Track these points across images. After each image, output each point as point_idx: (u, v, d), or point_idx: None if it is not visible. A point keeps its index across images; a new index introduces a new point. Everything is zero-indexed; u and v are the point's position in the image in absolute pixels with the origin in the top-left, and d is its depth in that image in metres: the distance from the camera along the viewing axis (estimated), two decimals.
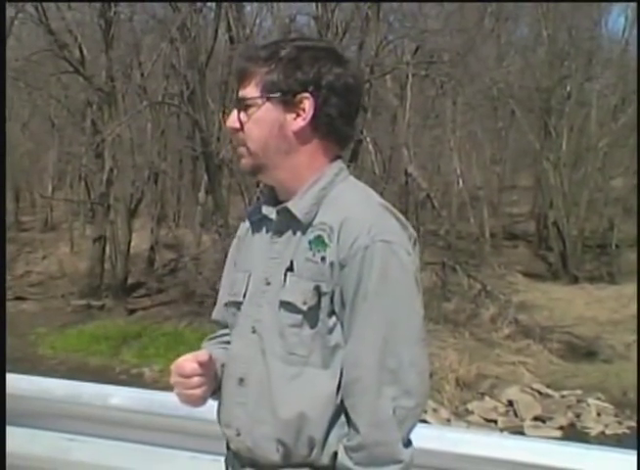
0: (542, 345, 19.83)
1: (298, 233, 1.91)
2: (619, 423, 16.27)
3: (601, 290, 23.58)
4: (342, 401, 1.85)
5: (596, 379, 17.99)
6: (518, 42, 31.20)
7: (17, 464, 3.37)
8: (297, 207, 1.90)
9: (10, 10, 21.16)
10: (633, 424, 16.08)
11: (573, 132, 26.86)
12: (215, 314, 2.17)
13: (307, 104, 1.90)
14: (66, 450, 3.58)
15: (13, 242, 26.30)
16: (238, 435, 1.95)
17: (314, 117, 1.91)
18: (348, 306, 1.84)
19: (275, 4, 24.85)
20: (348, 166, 2.03)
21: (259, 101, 1.91)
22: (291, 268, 1.89)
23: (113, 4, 24.00)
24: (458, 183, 26.27)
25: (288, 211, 1.92)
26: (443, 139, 25.38)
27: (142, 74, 25.25)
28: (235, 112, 1.96)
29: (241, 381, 1.95)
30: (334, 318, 1.86)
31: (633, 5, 27.38)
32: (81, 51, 24.19)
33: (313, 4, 23.22)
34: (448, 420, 15.68)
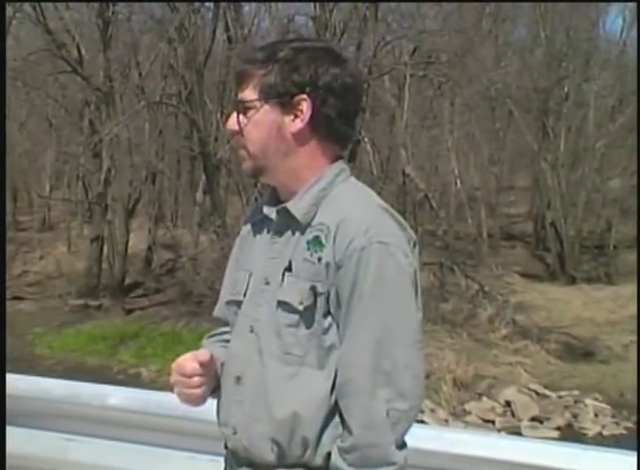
0: (540, 345, 19.84)
1: (297, 233, 1.91)
2: (617, 424, 16.27)
3: (598, 291, 23.60)
4: (336, 402, 1.85)
5: (593, 380, 18.00)
6: (516, 43, 31.23)
7: (15, 464, 3.37)
8: (296, 207, 1.91)
9: (8, 9, 21.14)
10: (630, 425, 16.09)
11: (571, 133, 26.89)
12: (217, 312, 2.17)
13: (305, 105, 1.90)
14: (63, 450, 3.58)
15: (10, 242, 26.27)
16: (235, 433, 1.96)
17: (312, 118, 1.91)
18: (344, 307, 1.84)
19: (273, 4, 24.85)
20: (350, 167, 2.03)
21: (257, 103, 1.92)
22: (289, 268, 1.89)
23: (110, 4, 23.99)
24: (456, 184, 26.26)
25: (287, 211, 1.92)
26: (441, 140, 25.39)
27: (140, 74, 25.24)
28: (234, 114, 1.97)
29: (238, 379, 1.96)
30: (329, 319, 1.86)
31: (631, 6, 27.41)
32: (79, 51, 24.16)
33: (311, 4, 23.21)
34: (446, 420, 15.68)
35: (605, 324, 20.97)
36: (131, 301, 23.86)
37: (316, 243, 1.86)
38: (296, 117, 1.91)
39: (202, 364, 1.96)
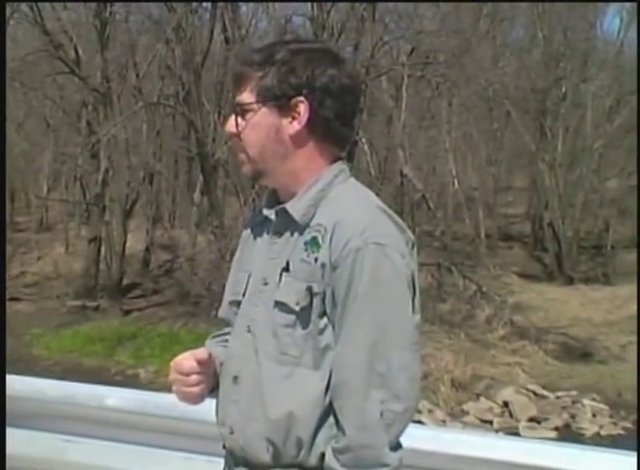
0: (537, 346, 19.85)
1: (296, 234, 1.91)
2: (614, 424, 16.28)
3: (596, 291, 23.62)
4: (330, 403, 1.84)
5: (591, 380, 18.01)
6: (513, 43, 31.27)
7: (13, 465, 3.37)
8: (295, 208, 1.91)
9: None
10: (628, 425, 16.10)
11: (569, 133, 26.90)
12: (221, 313, 2.18)
13: (302, 107, 1.90)
14: (61, 451, 3.58)
15: (8, 242, 26.22)
16: (232, 433, 1.96)
17: (310, 120, 1.90)
18: (339, 308, 1.83)
19: (270, 5, 24.85)
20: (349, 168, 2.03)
21: (255, 106, 1.92)
22: (286, 269, 1.89)
23: (108, 4, 23.99)
24: (453, 184, 26.28)
25: (285, 212, 1.92)
26: (439, 140, 25.41)
27: (137, 75, 25.25)
28: (232, 117, 1.97)
29: (235, 379, 1.96)
30: (325, 319, 1.86)
31: (628, 7, 27.45)
32: (77, 51, 24.16)
33: (309, 5, 23.21)
34: (444, 421, 15.67)
35: (602, 324, 20.99)
36: (129, 301, 23.85)
37: (313, 244, 1.86)
38: (293, 119, 1.91)
39: (199, 362, 1.97)
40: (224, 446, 2.04)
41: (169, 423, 3.35)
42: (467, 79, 23.08)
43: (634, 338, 18.80)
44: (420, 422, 11.62)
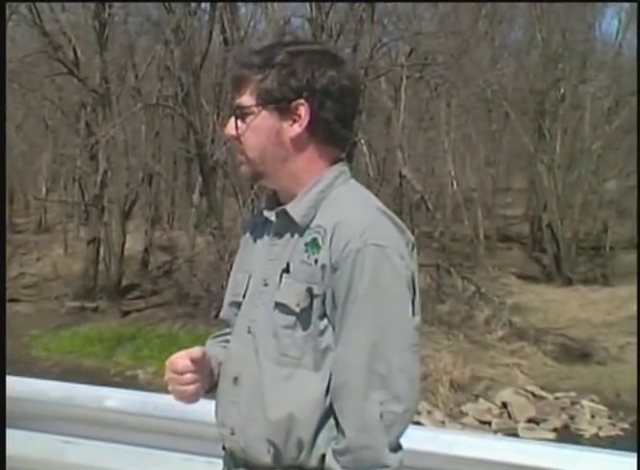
0: (536, 347, 19.85)
1: (296, 235, 1.91)
2: (613, 425, 16.28)
3: (595, 292, 23.62)
4: (331, 404, 1.85)
5: (590, 381, 18.01)
6: (512, 45, 31.28)
7: (12, 466, 3.37)
8: (295, 209, 1.91)
9: None
10: (627, 426, 16.10)
11: (567, 135, 26.91)
12: (222, 314, 2.18)
13: (303, 110, 1.90)
14: (61, 453, 3.58)
15: (7, 244, 26.24)
16: (232, 434, 1.96)
17: (311, 122, 1.90)
18: (339, 309, 1.84)
19: (269, 6, 24.83)
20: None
21: (255, 109, 1.92)
22: (287, 270, 1.89)
23: (107, 6, 23.97)
24: (452, 185, 26.29)
25: (286, 213, 1.92)
26: (438, 141, 25.41)
27: (136, 76, 25.23)
28: (232, 119, 1.96)
29: (235, 380, 1.96)
30: (325, 321, 1.86)
31: (627, 7, 27.46)
32: (75, 53, 24.16)
33: (308, 6, 23.21)
34: (443, 422, 15.68)
35: (601, 325, 20.99)
36: (128, 302, 23.84)
37: (313, 245, 1.86)
38: (294, 121, 1.91)
39: (194, 361, 1.97)
40: (224, 448, 2.04)
41: (169, 424, 3.35)
42: (465, 80, 23.08)
43: (633, 339, 18.80)
44: (419, 423, 11.62)
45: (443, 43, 22.78)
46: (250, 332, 1.95)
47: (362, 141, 22.30)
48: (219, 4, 23.75)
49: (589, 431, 16.01)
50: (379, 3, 22.96)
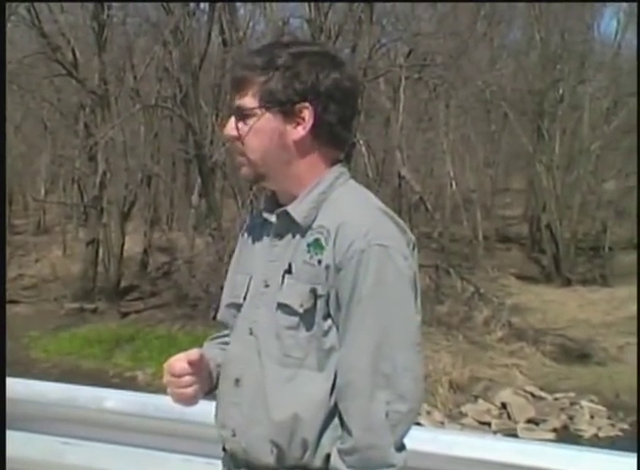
0: (535, 347, 19.85)
1: (298, 236, 1.92)
2: (612, 425, 16.28)
3: (594, 292, 23.63)
4: (335, 404, 1.85)
5: (589, 381, 18.01)
6: (510, 45, 31.27)
7: (12, 468, 3.37)
8: (297, 210, 1.91)
9: None
10: (626, 426, 16.10)
11: (566, 135, 26.92)
12: (220, 315, 2.18)
13: (307, 113, 1.90)
14: (60, 454, 3.57)
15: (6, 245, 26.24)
16: (233, 435, 1.96)
17: (314, 125, 1.91)
18: (343, 310, 1.84)
19: (268, 7, 24.82)
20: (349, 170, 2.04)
21: (258, 111, 1.91)
22: (289, 271, 1.90)
23: (105, 7, 23.96)
24: (451, 186, 26.31)
25: (287, 214, 1.93)
26: (436, 142, 25.41)
27: (135, 77, 25.22)
28: (232, 120, 1.96)
29: (237, 381, 1.96)
30: (329, 321, 1.87)
31: (625, 8, 27.48)
32: (74, 54, 24.14)
33: (306, 7, 23.21)
34: (442, 423, 15.67)
35: (600, 326, 20.99)
36: (127, 304, 23.83)
37: (316, 245, 1.87)
38: (297, 124, 1.91)
39: (191, 364, 1.97)
40: (224, 449, 2.04)
41: (168, 425, 3.35)
42: (464, 81, 23.08)
43: (632, 339, 18.81)
44: (418, 424, 11.62)
45: (442, 44, 22.78)
46: (251, 333, 1.95)
47: (361, 142, 22.31)
48: (218, 5, 23.74)
49: (588, 431, 16.01)
50: (377, 4, 22.96)
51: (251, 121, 1.92)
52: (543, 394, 17.43)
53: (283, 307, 1.88)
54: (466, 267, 23.79)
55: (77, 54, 24.22)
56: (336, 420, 1.86)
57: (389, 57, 25.44)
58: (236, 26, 24.10)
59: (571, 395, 17.37)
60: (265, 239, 2.01)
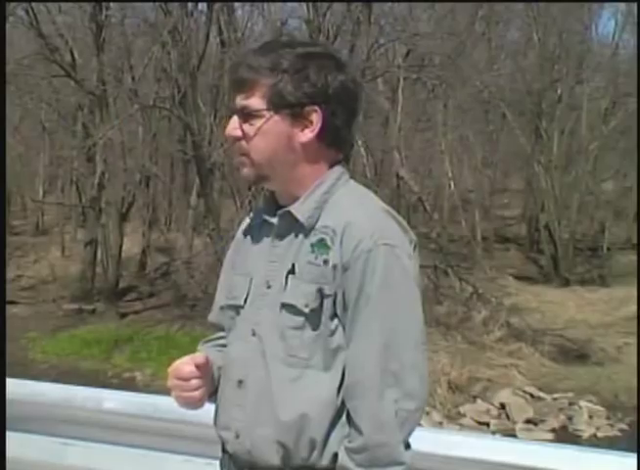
0: (534, 347, 19.84)
1: (301, 236, 1.92)
2: (611, 426, 16.28)
3: (592, 293, 23.63)
4: (342, 403, 1.86)
5: (588, 382, 18.01)
6: (508, 46, 31.31)
7: (10, 469, 3.36)
8: (300, 211, 1.92)
9: None
10: (625, 427, 16.11)
11: (564, 135, 26.92)
12: (212, 317, 2.18)
13: (315, 116, 1.91)
14: (59, 455, 3.57)
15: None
16: (237, 437, 1.95)
17: (321, 128, 1.91)
18: (351, 309, 1.85)
19: (266, 7, 24.83)
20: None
21: (266, 113, 1.91)
22: (292, 271, 1.90)
23: (103, 7, 23.94)
24: (449, 186, 26.31)
25: (290, 215, 1.93)
26: (435, 142, 25.41)
27: (133, 78, 25.21)
28: (235, 120, 1.95)
29: (240, 383, 1.96)
30: (336, 321, 1.87)
31: (623, 8, 27.52)
32: (72, 54, 24.13)
33: (305, 8, 23.21)
34: (440, 423, 15.67)
35: (599, 326, 20.99)
36: (125, 304, 23.82)
37: (321, 245, 1.87)
38: (305, 127, 1.92)
39: (198, 367, 1.96)
40: (224, 451, 2.03)
41: (168, 426, 3.34)
42: (462, 81, 23.10)
43: (631, 339, 18.83)
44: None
45: (440, 44, 22.80)
46: (254, 335, 1.94)
47: (359, 142, 22.30)
48: (216, 6, 23.73)
49: (587, 432, 16.00)
50: (375, 4, 22.97)
51: (257, 123, 1.92)
52: (542, 394, 17.42)
53: (287, 308, 1.88)
54: (464, 268, 23.80)
55: (75, 55, 24.20)
56: (343, 419, 1.87)
57: (388, 57, 25.45)
58: (234, 27, 24.11)
59: (570, 395, 17.37)
60: (265, 240, 2.01)
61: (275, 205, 2.00)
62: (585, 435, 15.82)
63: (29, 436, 3.60)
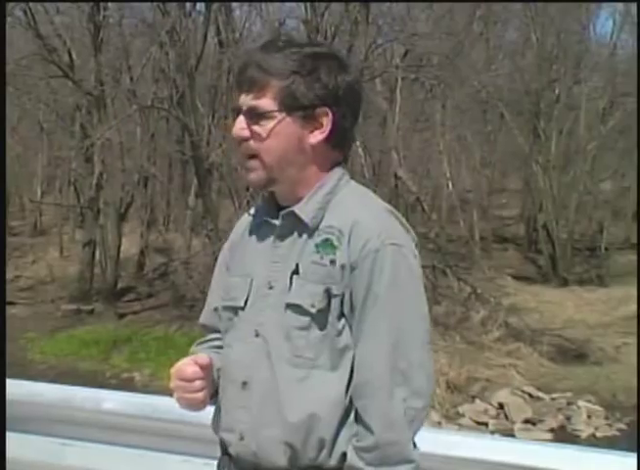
0: (532, 347, 19.86)
1: (304, 237, 1.91)
2: (610, 425, 16.29)
3: (590, 292, 23.64)
4: (350, 402, 1.87)
5: (586, 381, 18.02)
6: (506, 46, 31.34)
7: (9, 469, 3.36)
8: (304, 211, 1.91)
9: None
10: (623, 426, 16.12)
11: (562, 135, 26.95)
12: (203, 319, 2.17)
13: (325, 118, 1.91)
14: (58, 455, 3.56)
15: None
16: (241, 439, 1.94)
17: (331, 130, 1.92)
18: (358, 309, 1.86)
19: (264, 8, 24.84)
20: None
21: (278, 114, 1.90)
22: (296, 271, 1.89)
23: (101, 8, 23.93)
24: (448, 186, 26.31)
25: (294, 215, 1.92)
26: (433, 142, 25.41)
27: (131, 78, 25.21)
28: (241, 120, 1.93)
29: (244, 385, 1.94)
30: (343, 320, 1.87)
31: (621, 8, 27.55)
32: (70, 55, 24.13)
33: (302, 8, 23.21)
34: (439, 423, 15.66)
35: (597, 326, 21.01)
36: (124, 305, 23.81)
37: (327, 246, 1.88)
38: (315, 128, 1.91)
39: (202, 368, 1.95)
40: (225, 453, 2.01)
41: (166, 426, 3.34)
42: (460, 82, 23.11)
43: (629, 339, 18.84)
44: None
45: (438, 44, 22.80)
46: (257, 336, 1.93)
47: (357, 142, 22.31)
48: (214, 6, 23.74)
49: (586, 431, 16.02)
50: (373, 4, 22.96)
51: (267, 124, 1.90)
52: (540, 394, 17.44)
53: (293, 308, 1.88)
54: (463, 268, 23.81)
55: (73, 55, 24.22)
56: (351, 418, 1.87)
57: (386, 57, 25.45)
58: (232, 27, 24.11)
59: (569, 395, 17.38)
60: (265, 241, 2.00)
61: (275, 205, 2.00)
62: (584, 435, 15.83)
63: (28, 436, 3.60)
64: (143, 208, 26.56)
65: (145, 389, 16.42)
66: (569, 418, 16.56)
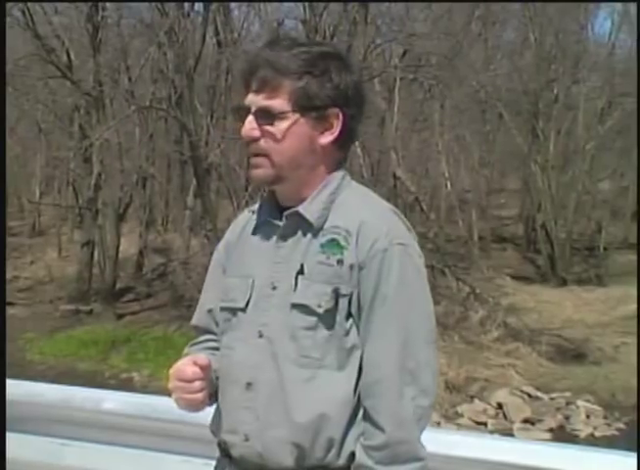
0: (531, 347, 19.86)
1: (308, 237, 1.91)
2: (608, 425, 16.31)
3: (589, 292, 23.65)
4: (358, 402, 1.87)
5: (585, 381, 18.03)
6: (505, 46, 31.36)
7: (9, 469, 3.36)
8: (309, 211, 1.91)
9: None
10: (622, 426, 16.13)
11: (561, 135, 26.96)
12: (196, 320, 2.17)
13: (336, 118, 1.91)
14: (57, 455, 3.56)
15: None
16: (246, 440, 1.93)
17: (340, 130, 1.92)
18: (366, 309, 1.86)
19: (263, 8, 24.84)
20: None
21: (291, 115, 1.90)
22: (301, 272, 1.89)
23: (100, 8, 23.92)
24: (446, 186, 26.30)
25: (298, 215, 1.92)
26: (431, 142, 25.41)
27: (130, 79, 25.21)
28: (251, 120, 1.92)
29: (249, 385, 1.93)
30: (350, 320, 1.88)
31: (619, 8, 27.56)
32: (69, 55, 24.13)
33: (301, 8, 23.21)
34: (438, 423, 15.66)
35: (596, 326, 21.01)
36: (122, 305, 23.81)
37: (333, 246, 1.88)
38: (325, 129, 1.92)
39: (201, 368, 1.94)
40: (226, 455, 2.00)
41: (166, 426, 3.33)
42: (459, 82, 23.11)
43: (628, 339, 18.85)
44: None
45: (437, 44, 22.81)
46: (261, 336, 1.92)
47: (356, 142, 22.29)
48: (213, 6, 23.74)
49: (584, 431, 16.03)
50: (372, 4, 22.96)
51: (280, 124, 1.90)
52: (539, 394, 17.45)
53: (299, 308, 1.88)
54: (461, 268, 23.82)
55: (72, 55, 24.21)
56: (359, 417, 1.87)
57: (384, 57, 25.45)
58: (230, 28, 24.12)
59: (567, 394, 17.39)
60: (267, 241, 1.99)
61: (276, 206, 1.99)
62: (583, 434, 15.84)
63: (27, 436, 3.59)
64: (142, 208, 26.55)
65: (144, 389, 16.41)
66: (567, 418, 16.57)
